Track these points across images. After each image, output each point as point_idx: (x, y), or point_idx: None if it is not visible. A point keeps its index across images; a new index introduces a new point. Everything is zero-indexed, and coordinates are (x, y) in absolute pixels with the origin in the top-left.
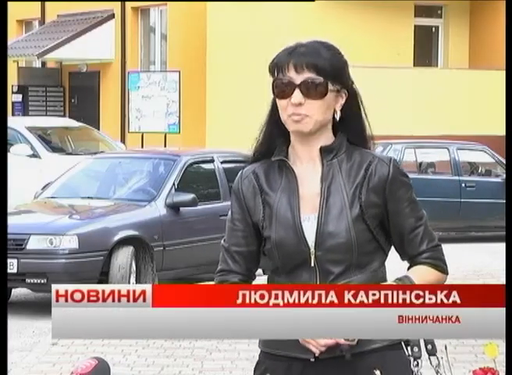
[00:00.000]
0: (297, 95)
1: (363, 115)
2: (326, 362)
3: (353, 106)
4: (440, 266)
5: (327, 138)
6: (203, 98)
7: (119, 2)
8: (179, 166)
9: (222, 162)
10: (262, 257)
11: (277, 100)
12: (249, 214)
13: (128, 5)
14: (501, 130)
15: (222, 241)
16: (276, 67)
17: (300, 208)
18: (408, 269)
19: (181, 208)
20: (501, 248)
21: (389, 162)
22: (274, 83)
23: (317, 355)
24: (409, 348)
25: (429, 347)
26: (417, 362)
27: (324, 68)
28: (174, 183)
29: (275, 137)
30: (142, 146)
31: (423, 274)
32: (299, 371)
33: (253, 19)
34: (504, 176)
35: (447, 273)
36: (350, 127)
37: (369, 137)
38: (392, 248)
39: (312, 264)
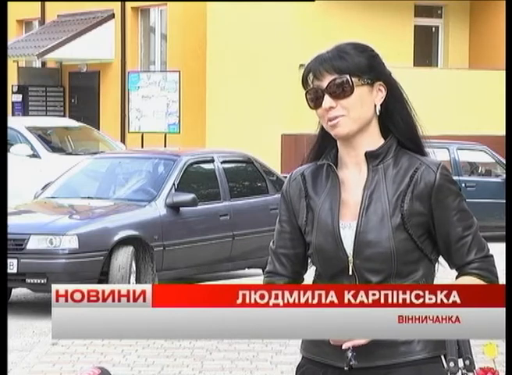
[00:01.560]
0: (327, 100)
1: (409, 110)
2: (360, 372)
3: (395, 100)
4: (488, 277)
5: (373, 142)
6: (203, 98)
7: (119, 2)
8: (179, 166)
9: (222, 162)
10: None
11: (315, 111)
12: (295, 217)
13: (128, 5)
14: (501, 130)
15: (271, 243)
16: (304, 79)
17: (340, 214)
18: (456, 278)
19: (181, 208)
20: (501, 248)
21: (436, 169)
22: (306, 96)
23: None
24: (446, 362)
25: (467, 362)
26: None
27: (344, 66)
28: (174, 183)
29: (327, 143)
30: (142, 146)
31: None
32: None
33: (253, 19)
34: (504, 176)
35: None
36: (397, 124)
37: (420, 137)
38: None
39: (350, 272)
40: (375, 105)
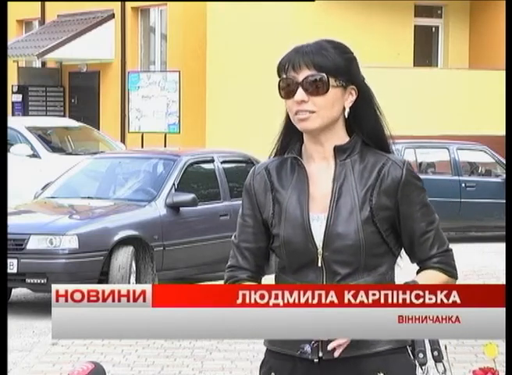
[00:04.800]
0: (300, 93)
1: (377, 114)
2: (330, 363)
3: (365, 104)
4: (449, 271)
5: (340, 138)
6: (203, 98)
7: (119, 2)
8: (179, 166)
9: (222, 162)
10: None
11: (284, 101)
12: (259, 210)
13: (128, 5)
14: (501, 130)
15: (233, 237)
16: (280, 68)
17: (309, 207)
18: (417, 273)
19: (181, 208)
20: (501, 248)
21: (402, 164)
22: (279, 84)
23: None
24: (415, 354)
25: (435, 353)
26: (425, 369)
27: (323, 64)
28: (174, 183)
29: (292, 135)
30: (142, 146)
31: (431, 279)
32: (304, 371)
33: (253, 19)
34: (504, 176)
35: (456, 278)
36: (364, 127)
37: (386, 138)
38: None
39: (319, 264)
40: (344, 108)
